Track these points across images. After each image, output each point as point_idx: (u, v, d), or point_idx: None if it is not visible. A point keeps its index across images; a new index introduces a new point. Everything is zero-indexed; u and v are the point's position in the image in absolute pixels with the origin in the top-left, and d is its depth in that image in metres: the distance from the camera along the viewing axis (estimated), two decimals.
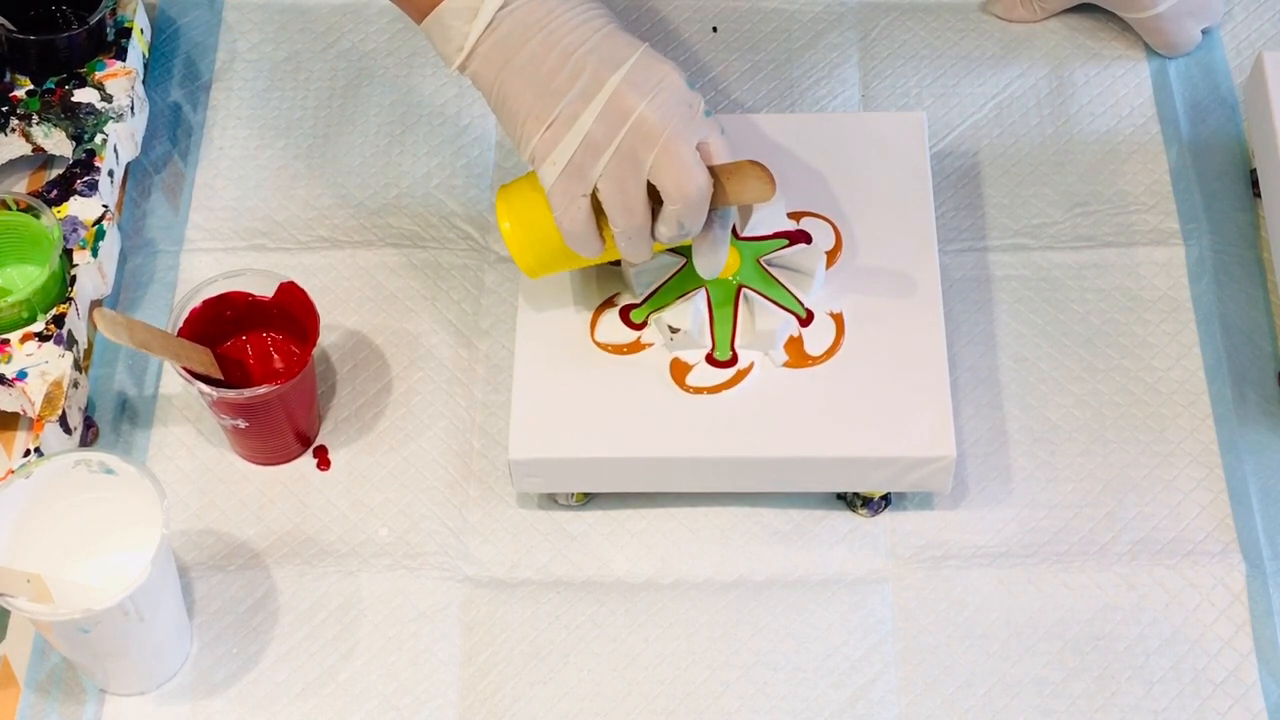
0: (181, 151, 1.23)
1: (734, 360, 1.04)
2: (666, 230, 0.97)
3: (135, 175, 1.21)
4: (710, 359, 1.04)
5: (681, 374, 1.04)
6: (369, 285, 1.16)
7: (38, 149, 1.19)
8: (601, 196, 0.96)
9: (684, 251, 1.07)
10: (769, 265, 1.06)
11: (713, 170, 0.97)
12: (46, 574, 0.96)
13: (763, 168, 0.97)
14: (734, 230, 1.07)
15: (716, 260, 1.00)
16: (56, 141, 1.18)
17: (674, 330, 1.04)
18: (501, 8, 0.96)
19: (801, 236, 1.08)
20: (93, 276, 1.12)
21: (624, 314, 1.06)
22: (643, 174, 0.95)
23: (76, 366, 1.08)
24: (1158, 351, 1.12)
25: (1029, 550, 1.05)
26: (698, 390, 1.03)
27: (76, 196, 1.14)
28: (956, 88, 1.24)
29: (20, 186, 1.21)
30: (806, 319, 1.05)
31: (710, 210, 0.98)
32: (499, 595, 1.04)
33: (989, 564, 1.04)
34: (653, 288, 1.06)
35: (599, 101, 0.95)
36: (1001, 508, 1.06)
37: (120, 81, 1.19)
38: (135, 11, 1.22)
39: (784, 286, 1.06)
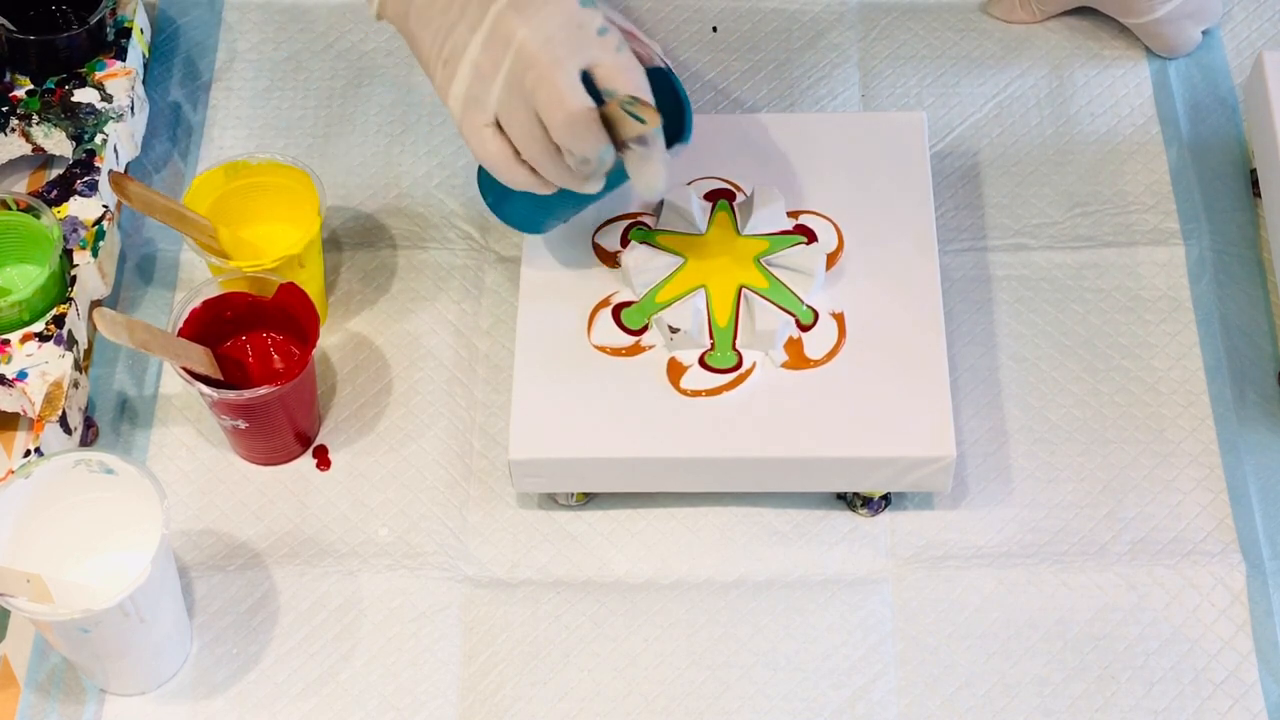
0: (181, 151, 1.23)
1: (735, 366, 1.04)
2: (566, 158, 0.94)
3: (135, 175, 1.20)
4: (703, 363, 1.04)
5: (677, 376, 1.04)
6: (369, 285, 1.16)
7: (38, 149, 1.19)
8: (503, 126, 0.94)
9: (677, 250, 1.07)
10: (769, 265, 1.06)
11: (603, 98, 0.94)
12: (46, 574, 0.96)
13: (643, 104, 0.93)
14: (737, 221, 1.08)
15: (650, 181, 0.96)
16: (56, 141, 1.18)
17: (674, 330, 1.04)
18: None
19: (812, 235, 1.08)
20: (93, 276, 1.12)
21: (616, 313, 1.06)
22: (529, 100, 0.92)
23: (76, 366, 1.08)
24: (1158, 351, 1.12)
25: (1029, 550, 1.05)
26: (695, 394, 1.03)
27: (76, 196, 1.14)
28: (956, 88, 1.24)
29: (20, 186, 1.21)
30: (811, 323, 1.05)
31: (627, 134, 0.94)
32: (499, 595, 1.04)
33: (989, 564, 1.04)
34: (651, 286, 1.06)
35: (483, 30, 0.92)
36: (1001, 508, 1.06)
37: (120, 81, 1.19)
38: (135, 11, 1.22)
39: (785, 286, 1.06)
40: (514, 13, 0.92)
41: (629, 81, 0.93)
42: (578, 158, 0.94)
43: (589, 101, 0.92)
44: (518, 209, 1.04)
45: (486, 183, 1.04)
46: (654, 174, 0.96)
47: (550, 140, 0.93)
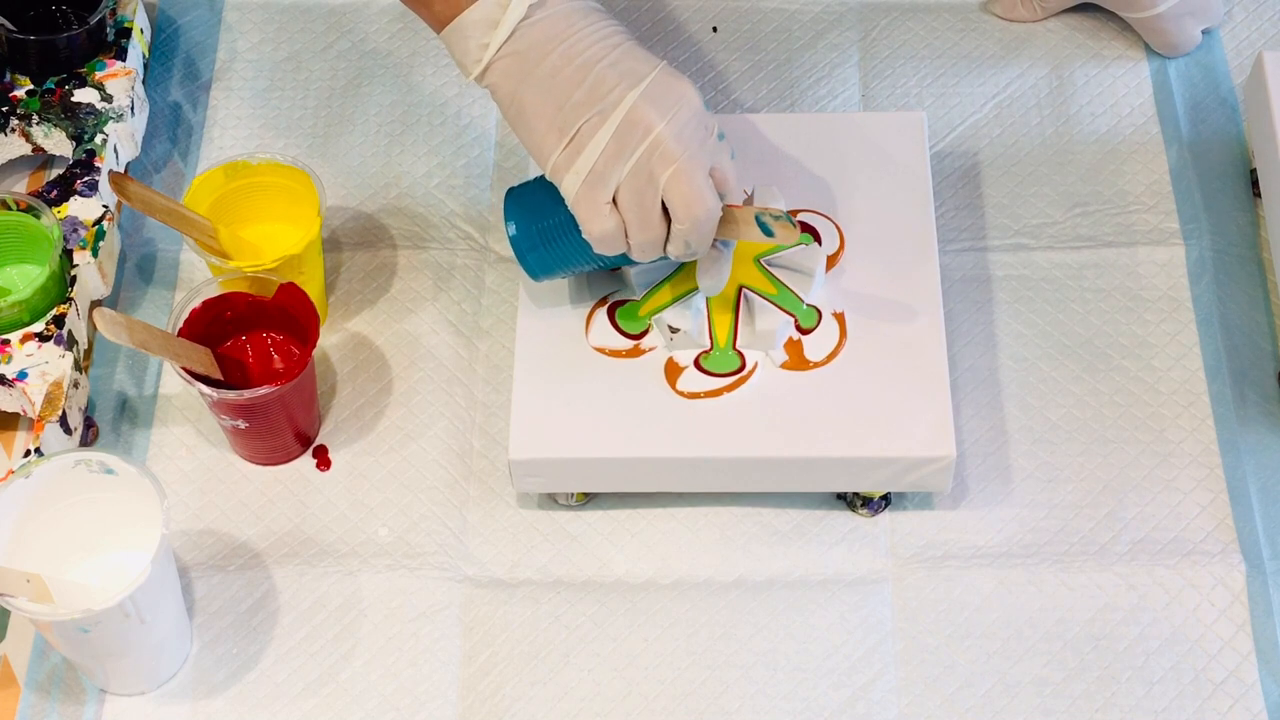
0: (181, 151, 1.23)
1: (737, 370, 1.04)
2: (674, 249, 0.98)
3: (135, 175, 1.21)
4: (699, 366, 1.04)
5: (674, 378, 1.04)
6: (369, 285, 1.16)
7: (38, 149, 1.19)
8: (620, 207, 0.97)
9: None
10: (769, 265, 1.06)
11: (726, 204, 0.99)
12: (46, 574, 0.96)
13: (790, 222, 0.98)
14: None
15: (718, 279, 1.01)
16: (56, 141, 1.18)
17: (674, 330, 1.04)
18: (523, 20, 0.96)
19: (814, 234, 1.08)
20: (93, 276, 1.12)
21: (611, 312, 1.06)
22: (658, 191, 0.96)
23: (76, 366, 1.08)
24: (1158, 351, 1.12)
25: (1029, 550, 1.05)
26: (692, 395, 1.03)
27: (76, 196, 1.14)
28: (956, 88, 1.24)
29: (20, 186, 1.21)
30: (813, 324, 1.05)
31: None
32: (499, 595, 1.04)
33: (989, 564, 1.04)
34: (651, 286, 1.06)
35: (617, 117, 0.95)
36: (1001, 508, 1.06)
37: (120, 81, 1.19)
38: (135, 11, 1.22)
39: (785, 286, 1.06)
40: (649, 105, 0.95)
41: (738, 191, 0.99)
42: (691, 249, 0.98)
43: (720, 203, 0.97)
44: (545, 260, 1.03)
45: (522, 223, 1.02)
46: (724, 274, 1.02)
47: (664, 227, 0.97)
